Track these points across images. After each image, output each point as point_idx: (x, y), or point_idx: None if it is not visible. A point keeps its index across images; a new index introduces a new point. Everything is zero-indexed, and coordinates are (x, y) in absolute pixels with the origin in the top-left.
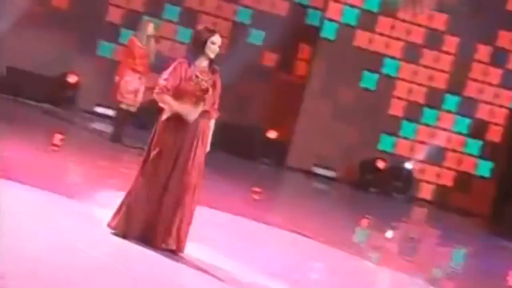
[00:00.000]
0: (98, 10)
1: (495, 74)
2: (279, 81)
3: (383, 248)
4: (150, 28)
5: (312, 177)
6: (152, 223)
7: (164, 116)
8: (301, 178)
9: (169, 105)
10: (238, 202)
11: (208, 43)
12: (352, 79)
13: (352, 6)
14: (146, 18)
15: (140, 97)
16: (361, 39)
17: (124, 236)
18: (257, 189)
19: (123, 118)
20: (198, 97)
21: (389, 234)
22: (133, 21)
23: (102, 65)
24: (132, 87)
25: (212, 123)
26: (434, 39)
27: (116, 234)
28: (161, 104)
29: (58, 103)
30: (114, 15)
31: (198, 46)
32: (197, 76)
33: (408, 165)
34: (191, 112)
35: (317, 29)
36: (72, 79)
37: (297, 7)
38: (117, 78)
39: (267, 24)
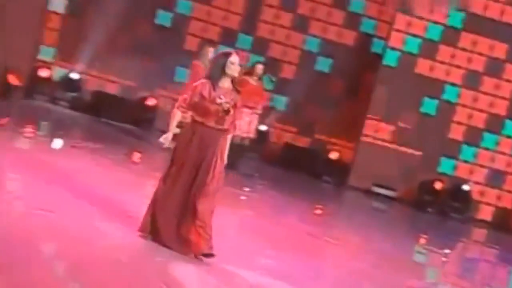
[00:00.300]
0: (177, 39)
1: None
2: (344, 106)
3: (440, 268)
4: (211, 53)
5: (372, 196)
6: (174, 229)
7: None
8: (361, 197)
9: (172, 121)
10: (298, 219)
11: (228, 64)
12: (413, 105)
13: (414, 35)
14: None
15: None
16: (422, 66)
17: (151, 239)
18: (318, 206)
19: None
20: (220, 117)
21: (447, 253)
22: None
23: (177, 89)
24: None
25: (229, 138)
26: (494, 68)
27: (144, 237)
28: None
29: (138, 124)
30: (191, 44)
31: (219, 71)
32: (220, 98)
33: (465, 187)
34: (167, 140)
35: (380, 57)
36: (151, 102)
37: (363, 37)
38: None
39: (334, 52)
